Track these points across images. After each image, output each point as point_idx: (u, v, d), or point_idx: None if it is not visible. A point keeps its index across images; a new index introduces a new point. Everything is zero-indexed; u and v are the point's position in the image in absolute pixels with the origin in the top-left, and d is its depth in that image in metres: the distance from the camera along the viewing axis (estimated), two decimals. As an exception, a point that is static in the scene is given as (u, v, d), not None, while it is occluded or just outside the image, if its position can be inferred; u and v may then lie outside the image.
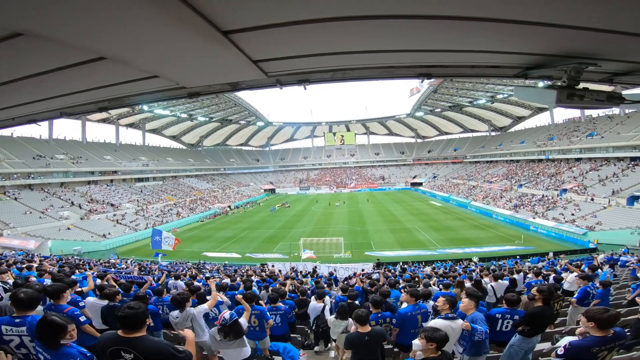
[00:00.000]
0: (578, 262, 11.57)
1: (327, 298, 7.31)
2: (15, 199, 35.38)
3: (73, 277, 6.62)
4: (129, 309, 2.34)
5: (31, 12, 1.38)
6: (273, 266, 20.11)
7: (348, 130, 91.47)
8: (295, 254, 26.02)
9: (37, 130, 48.78)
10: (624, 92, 2.53)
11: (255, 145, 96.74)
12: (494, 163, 63.29)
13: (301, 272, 17.26)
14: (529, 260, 19.04)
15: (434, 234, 31.34)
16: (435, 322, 3.66)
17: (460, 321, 3.77)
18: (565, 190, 37.86)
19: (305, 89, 3.39)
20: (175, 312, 4.33)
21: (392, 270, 16.25)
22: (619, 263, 12.06)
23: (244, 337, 4.24)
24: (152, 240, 22.20)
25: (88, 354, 2.39)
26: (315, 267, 19.88)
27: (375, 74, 3.07)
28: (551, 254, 20.74)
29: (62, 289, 3.93)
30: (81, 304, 4.43)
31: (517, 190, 45.43)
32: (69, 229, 33.10)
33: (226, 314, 4.02)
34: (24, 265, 9.63)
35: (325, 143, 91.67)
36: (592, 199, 33.35)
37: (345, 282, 12.49)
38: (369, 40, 2.21)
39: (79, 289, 5.42)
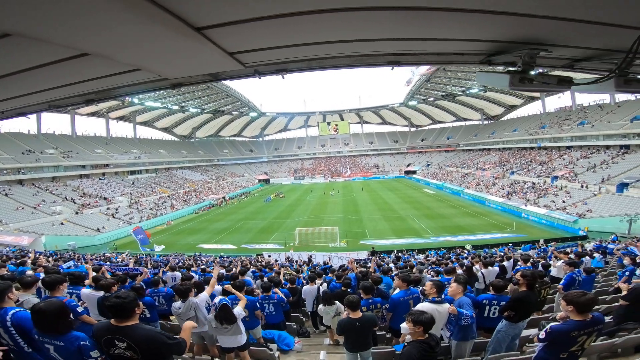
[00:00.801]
0: (567, 249, 11.82)
1: (317, 280, 7.54)
2: (6, 195, 34.92)
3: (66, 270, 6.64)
4: (117, 299, 2.38)
5: (17, 16, 1.50)
6: (269, 256, 20.26)
7: (342, 119, 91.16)
8: (290, 244, 26.20)
9: (25, 126, 48.10)
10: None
11: (248, 135, 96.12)
12: (487, 151, 63.77)
13: (296, 261, 17.41)
14: (520, 247, 19.37)
15: (427, 222, 31.69)
16: (422, 306, 3.76)
17: (447, 305, 3.87)
18: (556, 177, 38.37)
19: (283, 77, 3.50)
20: (178, 303, 4.37)
21: (386, 259, 16.48)
22: (607, 250, 12.33)
23: (240, 324, 4.33)
24: (138, 239, 22.35)
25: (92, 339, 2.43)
26: (311, 256, 20.06)
27: (348, 62, 3.22)
28: (542, 242, 21.11)
29: (59, 280, 3.94)
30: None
31: (509, 178, 45.94)
32: (62, 223, 32.87)
33: (216, 299, 4.12)
34: (18, 261, 9.60)
35: (320, 133, 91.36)
36: (583, 186, 33.93)
37: (340, 269, 12.66)
38: (341, 30, 2.33)
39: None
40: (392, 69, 3.40)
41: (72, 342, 2.31)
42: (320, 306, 5.91)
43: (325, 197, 52.25)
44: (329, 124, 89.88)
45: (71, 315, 2.65)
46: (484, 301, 4.39)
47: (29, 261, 9.68)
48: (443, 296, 4.02)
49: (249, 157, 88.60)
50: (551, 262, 8.10)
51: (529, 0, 1.83)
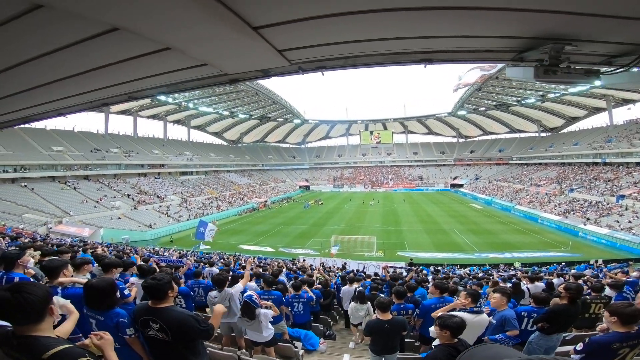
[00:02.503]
0: (623, 269, 10.66)
1: (355, 284, 7.70)
2: (74, 188, 38.95)
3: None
4: (152, 280, 2.53)
5: (124, 10, 1.91)
6: (304, 260, 20.47)
7: (385, 128, 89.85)
8: (326, 250, 26.24)
9: (94, 125, 53.57)
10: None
11: (291, 142, 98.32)
12: (543, 165, 59.15)
13: (330, 267, 17.40)
14: (574, 267, 17.71)
15: (472, 237, 30.07)
16: (460, 313, 3.64)
17: (485, 316, 3.71)
18: (623, 197, 34.55)
19: (322, 74, 3.72)
20: (214, 293, 4.58)
21: (424, 271, 15.91)
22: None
23: (265, 322, 4.42)
24: (197, 231, 23.42)
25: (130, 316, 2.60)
26: (345, 263, 19.94)
27: (382, 60, 3.35)
28: (600, 262, 19.14)
29: (114, 263, 4.31)
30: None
31: (567, 195, 42.20)
32: (119, 218, 35.82)
33: (245, 294, 4.29)
34: (80, 249, 10.74)
35: (361, 141, 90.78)
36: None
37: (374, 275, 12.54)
38: (375, 29, 2.51)
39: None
40: (425, 67, 3.44)
41: (111, 318, 2.49)
42: (352, 303, 5.99)
43: (364, 206, 51.66)
44: (371, 132, 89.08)
45: (117, 294, 2.88)
46: (523, 313, 4.13)
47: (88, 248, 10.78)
48: (483, 307, 3.85)
49: (291, 163, 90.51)
50: (602, 282, 7.40)
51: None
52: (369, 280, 9.12)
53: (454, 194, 66.89)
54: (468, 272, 15.49)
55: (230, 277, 5.70)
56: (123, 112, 55.72)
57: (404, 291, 5.05)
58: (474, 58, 3.30)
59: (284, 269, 11.31)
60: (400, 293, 4.97)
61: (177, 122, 68.43)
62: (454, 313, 3.72)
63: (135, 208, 39.53)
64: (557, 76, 2.60)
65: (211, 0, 1.80)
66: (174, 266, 8.09)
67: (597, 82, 2.78)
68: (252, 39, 2.43)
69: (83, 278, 3.63)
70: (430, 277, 11.08)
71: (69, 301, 2.38)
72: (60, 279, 3.12)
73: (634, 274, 8.30)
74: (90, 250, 9.56)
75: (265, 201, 56.51)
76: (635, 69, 2.76)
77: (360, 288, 7.17)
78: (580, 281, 7.02)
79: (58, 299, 2.32)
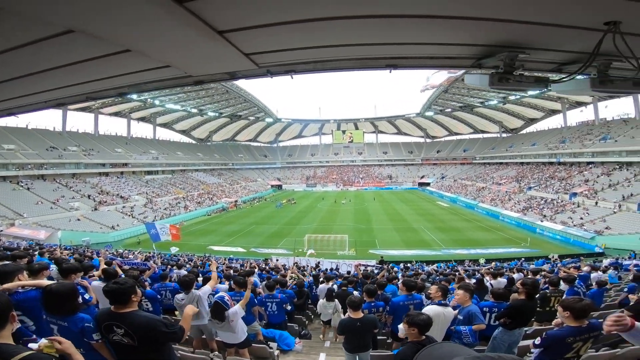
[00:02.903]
0: (575, 265, 11.52)
1: (331, 282, 7.96)
2: (28, 189, 36.31)
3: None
4: (114, 284, 2.44)
5: (80, 13, 1.85)
6: (277, 260, 20.32)
7: (357, 128, 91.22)
8: (299, 249, 26.20)
9: (51, 123, 50.20)
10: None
11: (263, 141, 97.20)
12: (504, 165, 62.53)
13: (303, 267, 17.40)
14: (533, 262, 18.87)
15: (439, 235, 31.21)
16: (429, 308, 3.74)
17: (451, 309, 3.84)
18: (575, 194, 37.28)
19: (292, 77, 3.76)
20: (181, 295, 4.45)
21: (394, 269, 16.30)
22: (622, 267, 11.94)
23: (238, 324, 4.34)
24: (150, 235, 22.77)
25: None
26: (319, 262, 20.01)
27: (350, 65, 3.48)
28: (556, 257, 20.53)
29: (72, 268, 4.07)
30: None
31: (526, 193, 44.87)
32: (78, 219, 33.83)
33: (216, 295, 4.19)
34: (36, 252, 9.99)
35: (334, 141, 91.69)
36: (597, 203, 33.01)
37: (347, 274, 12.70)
38: (343, 35, 2.59)
39: (91, 274, 5.59)
40: (390, 72, 3.53)
41: (76, 324, 2.40)
42: (321, 300, 6.20)
43: (337, 205, 52.15)
44: (343, 132, 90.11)
45: (80, 299, 2.76)
46: (485, 308, 4.34)
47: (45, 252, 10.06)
48: (449, 302, 3.99)
49: (262, 162, 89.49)
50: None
51: (507, 7, 2.05)
52: (339, 280, 9.23)
53: (421, 192, 69.01)
54: (435, 268, 16.04)
55: (202, 279, 5.57)
56: (83, 109, 52.44)
57: (374, 289, 5.15)
58: (436, 65, 3.46)
59: (257, 270, 11.16)
60: (370, 291, 5.07)
61: (142, 119, 65.50)
62: (427, 308, 3.85)
63: (96, 209, 37.46)
64: (510, 84, 2.76)
65: (171, 4, 1.77)
66: (140, 269, 7.75)
67: (533, 92, 3.00)
68: (218, 43, 2.43)
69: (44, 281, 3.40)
70: (400, 275, 11.37)
71: None
72: (20, 282, 2.91)
73: (585, 268, 8.99)
74: (48, 254, 8.94)
75: (236, 201, 55.51)
76: (580, 77, 2.98)
77: (335, 286, 7.30)
78: (538, 276, 7.46)
79: None
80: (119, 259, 12.73)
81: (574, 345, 2.69)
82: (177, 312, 6.14)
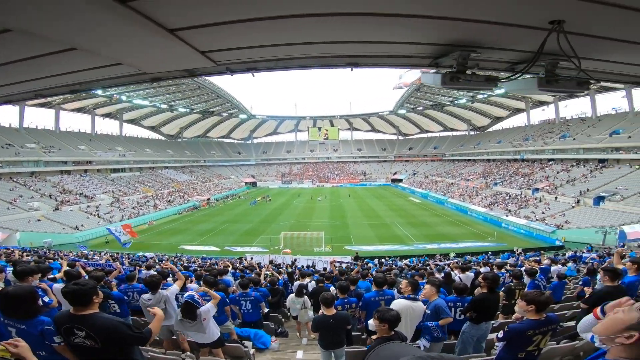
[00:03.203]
0: (537, 258, 12.18)
1: (307, 278, 8.04)
2: (-19, 188, 33.63)
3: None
4: (74, 285, 2.35)
5: (18, 14, 1.80)
6: (252, 258, 20.07)
7: (332, 125, 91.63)
8: (275, 247, 26.04)
9: (6, 119, 46.72)
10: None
11: (237, 137, 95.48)
12: (472, 162, 65.04)
13: (279, 264, 17.32)
14: (500, 256, 19.77)
15: (411, 230, 32.02)
16: (397, 302, 3.82)
17: (421, 304, 3.94)
18: (537, 190, 39.40)
19: (253, 75, 3.77)
20: (147, 295, 4.33)
21: (369, 264, 16.55)
22: (581, 259, 12.73)
23: (210, 323, 4.25)
24: (115, 238, 22.29)
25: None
26: (295, 260, 19.98)
27: (312, 62, 3.49)
28: (520, 250, 21.62)
29: (28, 270, 3.87)
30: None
31: (492, 188, 46.91)
32: (39, 220, 31.87)
33: (186, 294, 4.09)
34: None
35: (309, 138, 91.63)
36: (556, 198, 35.08)
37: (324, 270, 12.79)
38: (303, 33, 2.60)
39: (52, 276, 5.30)
40: (352, 70, 3.56)
41: (35, 327, 2.32)
42: (290, 296, 6.33)
43: (312, 202, 52.25)
44: (319, 129, 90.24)
45: (40, 302, 2.67)
46: (449, 303, 4.47)
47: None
48: (419, 296, 4.08)
49: (236, 159, 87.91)
50: (522, 269, 8.33)
51: (454, 6, 2.08)
52: (317, 275, 9.27)
53: (394, 188, 70.40)
54: (408, 263, 16.46)
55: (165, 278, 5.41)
56: (42, 105, 48.99)
57: (346, 286, 5.21)
58: (395, 63, 3.48)
59: (230, 269, 10.97)
60: (343, 288, 5.12)
61: (108, 115, 62.31)
62: (395, 302, 3.93)
63: (57, 209, 35.34)
64: (460, 83, 2.79)
65: (113, 4, 1.74)
66: (105, 270, 7.40)
67: (499, 90, 3.06)
68: (169, 41, 2.39)
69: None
70: (373, 271, 11.57)
71: None
72: None
73: (546, 262, 9.51)
74: (5, 257, 8.36)
75: (208, 199, 54.27)
76: (529, 76, 3.09)
77: (313, 281, 7.37)
78: (502, 270, 7.77)
79: None
80: (83, 260, 12.13)
81: (535, 339, 2.81)
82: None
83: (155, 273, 7.64)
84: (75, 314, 2.33)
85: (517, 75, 2.96)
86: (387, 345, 1.05)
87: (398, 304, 3.74)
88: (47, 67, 3.03)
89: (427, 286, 4.17)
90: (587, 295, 4.19)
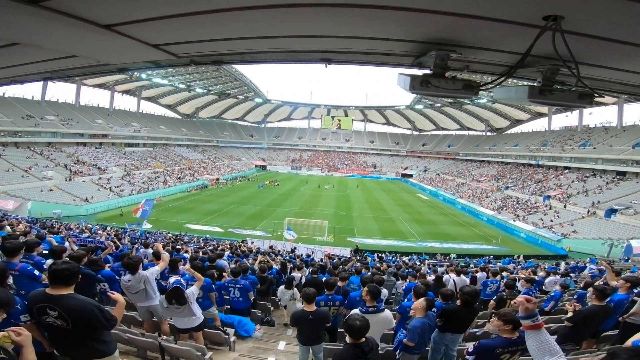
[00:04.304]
0: (533, 268, 11.98)
1: (304, 269, 8.22)
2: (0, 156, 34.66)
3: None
4: (64, 264, 2.45)
5: None
6: (253, 243, 20.32)
7: (346, 115, 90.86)
8: (278, 232, 26.26)
9: (30, 92, 48.08)
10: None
11: (251, 120, 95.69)
12: (486, 163, 63.75)
13: (279, 250, 17.48)
14: (500, 261, 19.54)
15: (416, 226, 31.87)
16: (354, 312, 3.71)
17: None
18: (549, 197, 38.55)
19: (217, 68, 3.75)
20: (127, 276, 4.39)
21: (368, 258, 16.60)
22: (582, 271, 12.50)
23: (195, 306, 4.35)
24: (142, 210, 22.52)
25: (25, 303, 2.50)
26: (294, 247, 20.14)
27: (281, 57, 3.34)
28: (521, 257, 21.33)
29: (17, 247, 3.97)
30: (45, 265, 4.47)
31: (503, 192, 46.09)
32: (51, 190, 32.67)
33: (171, 279, 4.14)
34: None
35: (322, 126, 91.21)
36: (565, 207, 34.21)
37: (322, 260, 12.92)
38: (269, 27, 2.40)
39: (45, 251, 5.37)
40: (326, 66, 3.37)
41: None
42: (282, 287, 6.45)
43: (320, 190, 52.29)
44: (332, 118, 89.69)
45: (10, 281, 2.77)
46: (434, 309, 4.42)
47: (8, 227, 9.64)
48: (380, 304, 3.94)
49: (248, 141, 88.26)
50: (516, 277, 8.20)
51: None
52: (309, 268, 9.37)
53: (403, 183, 69.90)
54: (407, 261, 16.42)
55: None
56: (65, 80, 50.06)
57: (333, 282, 5.21)
58: (372, 61, 3.20)
59: (227, 252, 11.12)
60: (330, 284, 5.12)
61: (127, 92, 63.38)
62: (353, 312, 3.74)
63: (70, 179, 36.20)
64: (430, 89, 2.36)
65: (23, 6, 1.72)
66: (89, 247, 7.44)
67: (482, 100, 2.53)
68: (109, 36, 2.31)
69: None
70: (372, 265, 11.60)
71: None
72: None
73: (541, 274, 9.32)
74: (9, 226, 8.61)
75: (218, 178, 54.86)
76: (524, 83, 2.66)
77: (307, 272, 7.49)
78: (497, 277, 7.66)
79: None
80: (76, 235, 12.16)
81: (502, 357, 2.77)
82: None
83: (151, 251, 7.83)
84: (51, 293, 2.39)
85: (498, 81, 2.48)
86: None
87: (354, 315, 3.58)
88: (3, 57, 3.06)
89: (419, 302, 3.90)
90: (569, 314, 4.11)
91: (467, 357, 2.94)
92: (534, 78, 2.64)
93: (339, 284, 5.68)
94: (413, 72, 2.73)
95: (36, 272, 3.84)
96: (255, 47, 2.98)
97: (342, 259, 14.24)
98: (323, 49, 3.02)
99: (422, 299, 3.90)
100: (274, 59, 3.40)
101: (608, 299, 4.11)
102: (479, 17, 1.89)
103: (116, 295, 2.85)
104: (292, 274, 7.63)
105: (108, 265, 5.55)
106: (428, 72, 2.50)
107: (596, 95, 2.61)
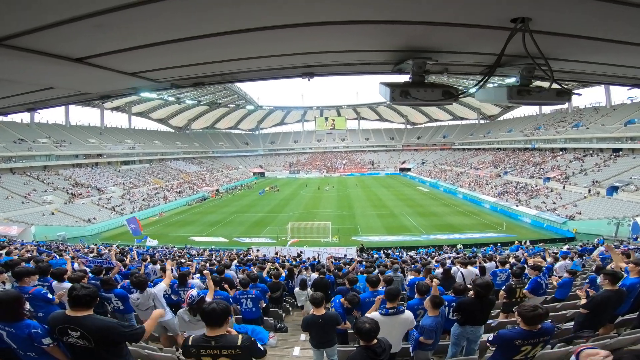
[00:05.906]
0: (541, 253, 11.93)
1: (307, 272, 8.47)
2: (-3, 183, 34.45)
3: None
4: (85, 289, 2.52)
5: None
6: (258, 250, 20.26)
7: (339, 115, 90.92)
8: (282, 238, 26.22)
9: (18, 115, 47.53)
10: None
11: (244, 128, 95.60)
12: (482, 150, 63.96)
13: (285, 256, 17.43)
14: (508, 248, 19.51)
15: (420, 220, 31.84)
16: (373, 315, 3.60)
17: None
18: (548, 179, 38.65)
19: (198, 89, 3.71)
20: (136, 294, 4.41)
21: (375, 255, 16.58)
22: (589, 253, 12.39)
23: None
24: (130, 230, 22.49)
25: (45, 327, 2.55)
26: (301, 251, 20.10)
27: (262, 75, 3.36)
28: (528, 242, 21.28)
29: (25, 272, 3.98)
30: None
31: (502, 177, 46.19)
32: (52, 213, 32.62)
33: (193, 292, 4.12)
34: (3, 251, 9.56)
35: (316, 127, 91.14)
36: (564, 187, 34.24)
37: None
38: (250, 48, 2.41)
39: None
40: (309, 80, 3.35)
41: (22, 330, 2.47)
42: (297, 288, 6.77)
43: (320, 192, 52.28)
44: (326, 119, 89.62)
45: (27, 306, 2.83)
46: (444, 303, 4.37)
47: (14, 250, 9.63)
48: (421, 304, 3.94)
49: (244, 149, 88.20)
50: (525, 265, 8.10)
51: (400, 8, 1.82)
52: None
53: (402, 177, 69.99)
54: (413, 255, 16.40)
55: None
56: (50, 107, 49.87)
57: (346, 290, 5.21)
58: (354, 71, 3.23)
59: (235, 261, 11.08)
60: (342, 292, 5.12)
61: (116, 109, 63.09)
62: (372, 315, 3.61)
63: (70, 202, 36.13)
64: (409, 99, 2.34)
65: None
66: (105, 268, 7.44)
67: (454, 101, 2.59)
68: (83, 68, 2.31)
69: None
70: (379, 263, 11.56)
71: None
72: None
73: (549, 259, 9.25)
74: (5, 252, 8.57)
75: (217, 189, 54.78)
76: (509, 81, 2.71)
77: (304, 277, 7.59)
78: (507, 266, 7.58)
79: None
80: (83, 255, 12.18)
81: (523, 349, 2.76)
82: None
83: (159, 267, 7.81)
84: (71, 315, 2.47)
85: (477, 86, 2.54)
86: None
87: (374, 317, 3.52)
88: None
89: (425, 303, 3.90)
90: (583, 300, 4.06)
91: (489, 347, 2.94)
92: (515, 75, 2.76)
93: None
94: (395, 78, 2.77)
95: (49, 295, 3.89)
96: (236, 68, 2.99)
97: (346, 260, 14.21)
98: (304, 65, 3.03)
99: (427, 300, 3.87)
100: (255, 77, 3.41)
101: (620, 283, 4.06)
102: (449, 24, 1.96)
103: (155, 311, 2.97)
104: (304, 276, 7.71)
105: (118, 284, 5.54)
106: (408, 79, 2.52)
107: (573, 93, 2.73)
